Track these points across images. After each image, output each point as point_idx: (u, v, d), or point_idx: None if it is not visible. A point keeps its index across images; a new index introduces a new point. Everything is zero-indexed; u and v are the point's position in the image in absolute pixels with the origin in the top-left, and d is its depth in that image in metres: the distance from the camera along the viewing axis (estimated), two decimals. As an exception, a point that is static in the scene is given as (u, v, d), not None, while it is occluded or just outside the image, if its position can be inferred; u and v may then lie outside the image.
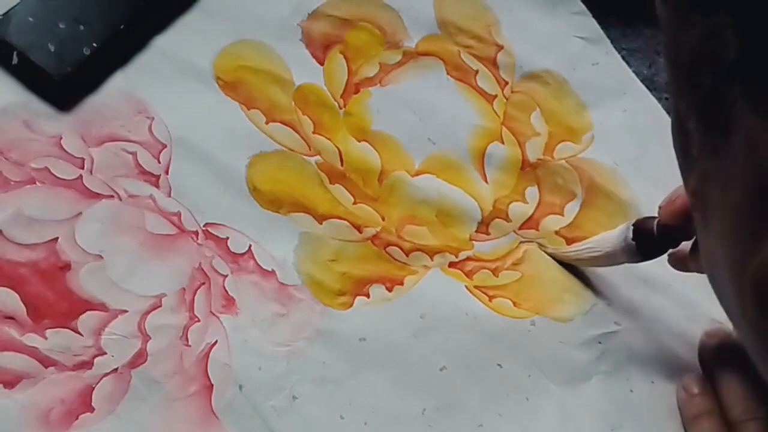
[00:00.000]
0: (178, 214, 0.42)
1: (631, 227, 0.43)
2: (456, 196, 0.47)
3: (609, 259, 0.44)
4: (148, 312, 0.40)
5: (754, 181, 0.23)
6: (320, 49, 0.49)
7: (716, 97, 0.23)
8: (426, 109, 0.49)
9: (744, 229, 0.24)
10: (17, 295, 0.38)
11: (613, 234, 0.44)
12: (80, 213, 0.41)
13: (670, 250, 0.43)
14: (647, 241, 0.42)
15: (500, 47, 0.52)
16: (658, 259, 0.47)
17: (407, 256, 0.45)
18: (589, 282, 0.47)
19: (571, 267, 0.47)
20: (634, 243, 0.42)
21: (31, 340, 0.38)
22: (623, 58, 0.54)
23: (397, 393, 0.42)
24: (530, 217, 0.48)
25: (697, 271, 0.42)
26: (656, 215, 0.43)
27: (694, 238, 0.42)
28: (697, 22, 0.23)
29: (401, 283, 0.44)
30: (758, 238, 0.23)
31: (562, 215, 0.49)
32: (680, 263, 0.44)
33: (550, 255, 0.47)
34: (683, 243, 0.43)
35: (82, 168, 0.42)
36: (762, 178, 0.23)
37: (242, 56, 0.47)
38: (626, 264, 0.44)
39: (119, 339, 0.39)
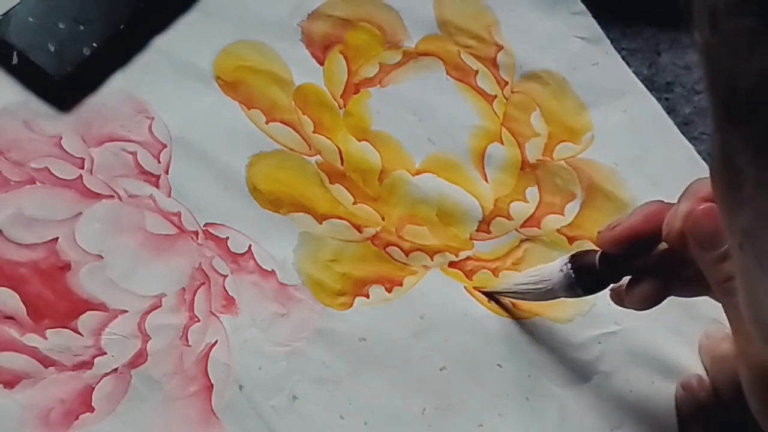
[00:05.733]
0: (178, 214, 0.42)
1: (568, 262, 0.41)
2: (457, 194, 0.47)
3: (548, 294, 0.42)
4: (148, 312, 0.40)
5: None
6: (320, 49, 0.49)
7: None
8: (426, 109, 0.49)
9: None
10: (17, 295, 0.38)
11: (551, 269, 0.42)
12: (80, 213, 0.41)
13: (612, 285, 0.42)
14: (588, 274, 0.40)
15: (500, 47, 0.52)
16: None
17: (407, 256, 0.45)
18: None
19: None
20: (573, 278, 0.40)
21: (31, 340, 0.38)
22: (623, 58, 0.54)
23: (397, 393, 0.42)
24: (531, 216, 0.48)
25: (632, 308, 0.41)
26: (594, 248, 0.41)
27: (630, 277, 0.41)
28: (762, 50, 0.22)
29: (401, 284, 0.44)
30: None
31: (563, 215, 0.49)
32: (620, 299, 0.42)
33: (486, 294, 0.45)
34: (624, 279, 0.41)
35: (82, 168, 0.42)
36: None
37: (242, 56, 0.47)
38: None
39: (119, 339, 0.39)
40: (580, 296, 0.41)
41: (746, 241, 0.26)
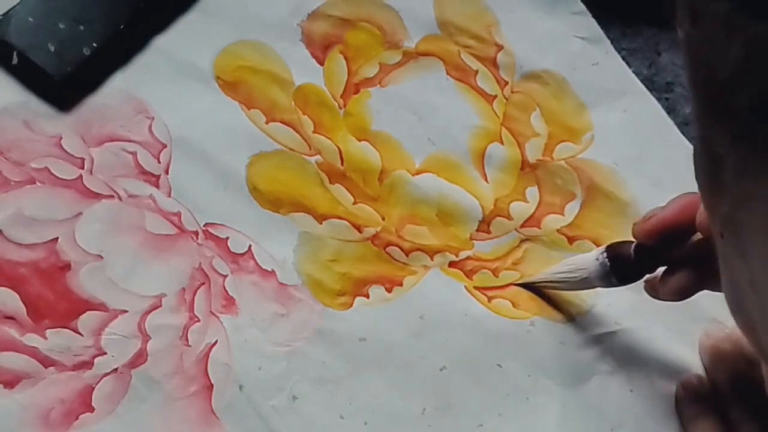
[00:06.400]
0: (178, 214, 0.42)
1: (604, 251, 0.42)
2: (457, 194, 0.47)
3: (583, 283, 0.43)
4: (148, 312, 0.40)
5: None
6: (320, 49, 0.49)
7: (757, 113, 0.23)
8: (426, 109, 0.49)
9: None
10: (17, 295, 0.38)
11: (587, 258, 0.43)
12: (80, 213, 0.41)
13: (647, 276, 0.42)
14: (623, 264, 0.41)
15: (500, 47, 0.52)
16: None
17: (407, 256, 0.45)
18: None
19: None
20: (609, 267, 0.41)
21: (31, 340, 0.38)
22: (623, 58, 0.54)
23: (397, 393, 0.42)
24: (531, 216, 0.48)
25: (666, 299, 0.41)
26: (631, 239, 0.41)
27: (665, 267, 0.41)
28: (739, 37, 0.22)
29: (400, 284, 0.44)
30: None
31: (563, 215, 0.49)
32: (654, 290, 0.42)
33: (522, 285, 0.46)
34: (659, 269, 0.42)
35: (82, 168, 0.42)
36: None
37: (242, 56, 0.47)
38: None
39: (119, 339, 0.39)
40: (615, 286, 0.42)
41: (726, 230, 0.27)
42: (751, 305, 0.27)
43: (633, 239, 0.41)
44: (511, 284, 0.46)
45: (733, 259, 0.27)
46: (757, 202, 0.24)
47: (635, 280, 0.42)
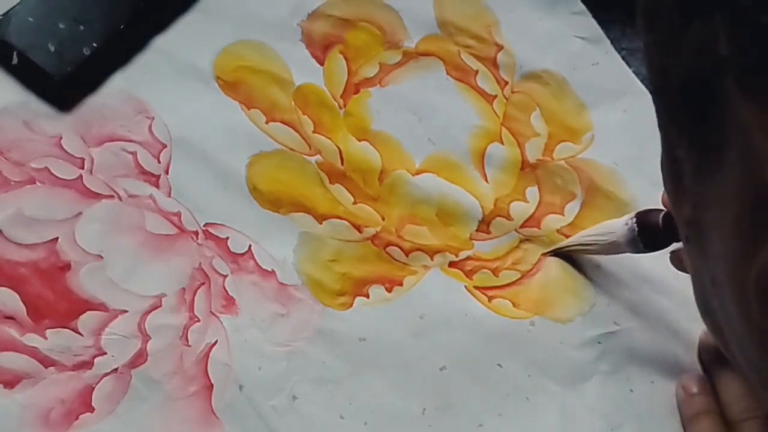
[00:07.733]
0: (178, 214, 0.42)
1: (634, 217, 0.43)
2: (457, 194, 0.47)
3: (611, 247, 0.44)
4: (148, 312, 0.40)
5: (752, 183, 0.23)
6: (320, 49, 0.49)
7: (709, 110, 0.23)
8: (426, 109, 0.49)
9: (745, 237, 0.24)
10: (17, 295, 0.38)
11: (617, 223, 0.44)
12: (80, 213, 0.41)
13: (674, 245, 0.43)
14: (651, 231, 0.42)
15: (500, 47, 0.52)
16: (658, 258, 0.47)
17: (407, 256, 0.45)
18: (589, 282, 0.47)
19: (570, 266, 0.47)
20: (636, 232, 0.42)
21: (31, 340, 0.38)
22: (623, 58, 0.54)
23: (397, 393, 0.42)
24: (531, 216, 0.48)
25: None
26: (661, 207, 0.42)
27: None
28: (687, 38, 0.23)
29: (400, 284, 0.44)
30: (760, 239, 0.23)
31: (563, 215, 0.49)
32: (679, 262, 0.43)
33: (553, 253, 0.47)
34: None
35: (82, 168, 0.42)
36: (758, 178, 0.23)
37: (242, 56, 0.47)
38: (627, 260, 0.44)
39: (119, 339, 0.39)
40: (642, 252, 0.43)
41: (690, 232, 0.27)
42: (715, 306, 0.28)
43: (661, 208, 0.42)
44: (543, 254, 0.47)
45: (697, 261, 0.27)
46: (712, 203, 0.25)
47: (662, 248, 0.43)
